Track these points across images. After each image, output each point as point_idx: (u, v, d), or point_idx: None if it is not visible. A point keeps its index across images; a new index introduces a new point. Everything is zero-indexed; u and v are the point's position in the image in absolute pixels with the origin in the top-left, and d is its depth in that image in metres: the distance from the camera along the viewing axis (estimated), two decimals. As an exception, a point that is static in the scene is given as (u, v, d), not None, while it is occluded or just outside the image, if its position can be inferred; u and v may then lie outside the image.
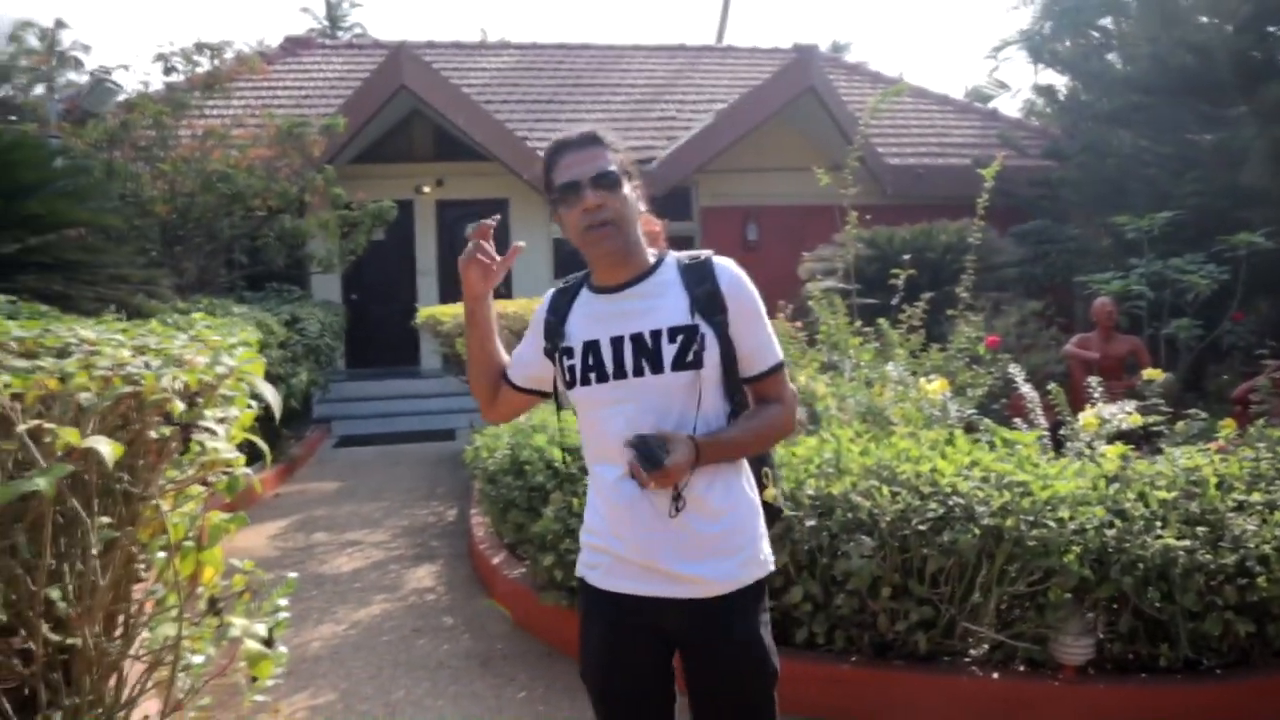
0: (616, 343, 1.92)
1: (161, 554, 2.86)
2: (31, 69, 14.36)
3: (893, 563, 3.34)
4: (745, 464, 2.01)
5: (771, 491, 2.07)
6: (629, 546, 1.92)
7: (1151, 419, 4.50)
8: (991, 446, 3.82)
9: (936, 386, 4.45)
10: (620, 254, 1.94)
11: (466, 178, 13.64)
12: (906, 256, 6.59)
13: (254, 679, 2.66)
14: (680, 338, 1.89)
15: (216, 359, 2.49)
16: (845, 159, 6.96)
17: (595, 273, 2.02)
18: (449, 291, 12.90)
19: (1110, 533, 3.21)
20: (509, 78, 15.71)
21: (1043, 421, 4.93)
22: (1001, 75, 31.63)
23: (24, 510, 2.59)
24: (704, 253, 2.01)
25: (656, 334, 1.90)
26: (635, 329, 1.92)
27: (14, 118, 10.77)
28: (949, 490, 3.35)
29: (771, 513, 2.09)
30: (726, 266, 1.98)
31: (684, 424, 1.89)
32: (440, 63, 15.16)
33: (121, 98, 8.66)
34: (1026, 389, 5.02)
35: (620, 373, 1.91)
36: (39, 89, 13.47)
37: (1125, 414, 4.27)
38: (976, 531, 3.20)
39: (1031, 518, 3.24)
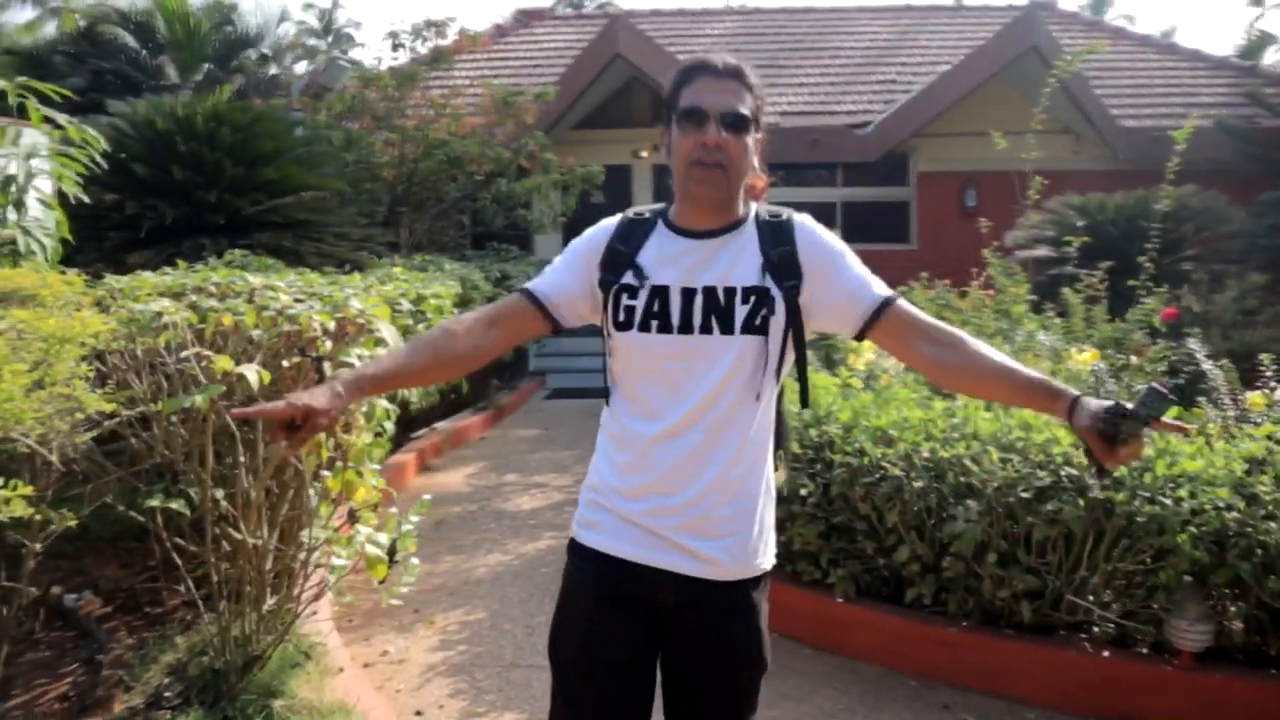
0: (688, 294, 1.76)
1: (326, 472, 3.33)
2: (298, 45, 15.94)
3: (999, 529, 3.32)
4: (771, 447, 1.86)
5: (780, 475, 1.94)
6: (643, 510, 1.77)
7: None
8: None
9: (1086, 357, 4.27)
10: (718, 202, 1.77)
11: (683, 143, 13.91)
12: (1080, 224, 6.21)
13: (380, 581, 3.06)
14: (753, 299, 1.74)
15: (345, 302, 2.86)
16: (1072, 122, 6.64)
17: (682, 212, 1.83)
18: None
19: (1231, 515, 3.04)
20: (730, 43, 15.80)
21: (1228, 401, 4.61)
22: (1269, 26, 28.00)
23: (204, 425, 3.11)
24: (784, 211, 1.84)
25: (730, 291, 1.75)
26: (709, 282, 1.76)
27: (284, 93, 12.11)
28: (1061, 460, 3.28)
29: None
30: (805, 225, 1.83)
31: (748, 396, 1.76)
32: (663, 30, 15.51)
33: (355, 74, 9.58)
34: (1208, 366, 4.69)
35: (686, 327, 1.75)
36: (302, 65, 15.06)
37: (1304, 396, 3.94)
38: (1082, 503, 3.13)
39: (1148, 494, 3.12)
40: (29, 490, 2.30)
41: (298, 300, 3.20)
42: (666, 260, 1.79)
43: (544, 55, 15.21)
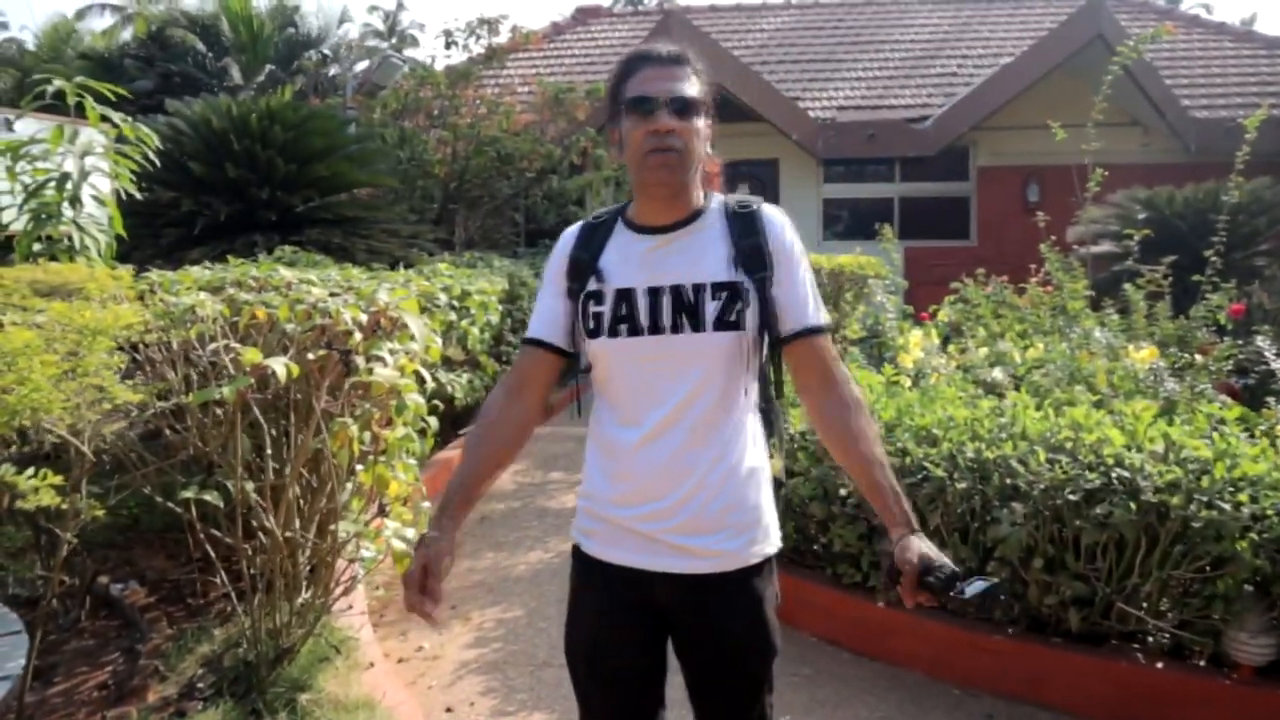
0: (654, 293, 1.74)
1: (360, 466, 3.33)
2: (360, 46, 16.16)
3: (1046, 533, 3.19)
4: (760, 437, 1.84)
5: (776, 464, 1.91)
6: (635, 516, 1.76)
7: None
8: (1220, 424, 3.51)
9: (1144, 355, 4.10)
10: (676, 189, 1.75)
11: (737, 138, 13.77)
12: (1145, 217, 5.99)
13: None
14: (724, 294, 1.72)
15: (372, 297, 2.85)
16: (1140, 113, 6.42)
17: (640, 208, 1.81)
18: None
19: (1295, 521, 2.88)
20: (787, 37, 15.65)
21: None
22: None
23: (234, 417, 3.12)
24: (753, 200, 1.83)
25: (699, 288, 1.72)
26: (675, 280, 1.74)
27: (342, 93, 12.27)
28: (1112, 461, 3.14)
29: (773, 485, 1.93)
30: (774, 217, 1.80)
31: (729, 394, 1.75)
32: (718, 25, 15.40)
33: (408, 72, 9.66)
34: (1278, 365, 4.49)
35: (656, 327, 1.73)
36: (362, 65, 15.28)
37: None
38: (1134, 507, 2.99)
39: (1205, 498, 2.97)
40: (58, 480, 2.32)
41: (332, 294, 3.20)
42: (628, 261, 1.78)
43: (599, 52, 15.21)
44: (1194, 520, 2.95)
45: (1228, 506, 2.93)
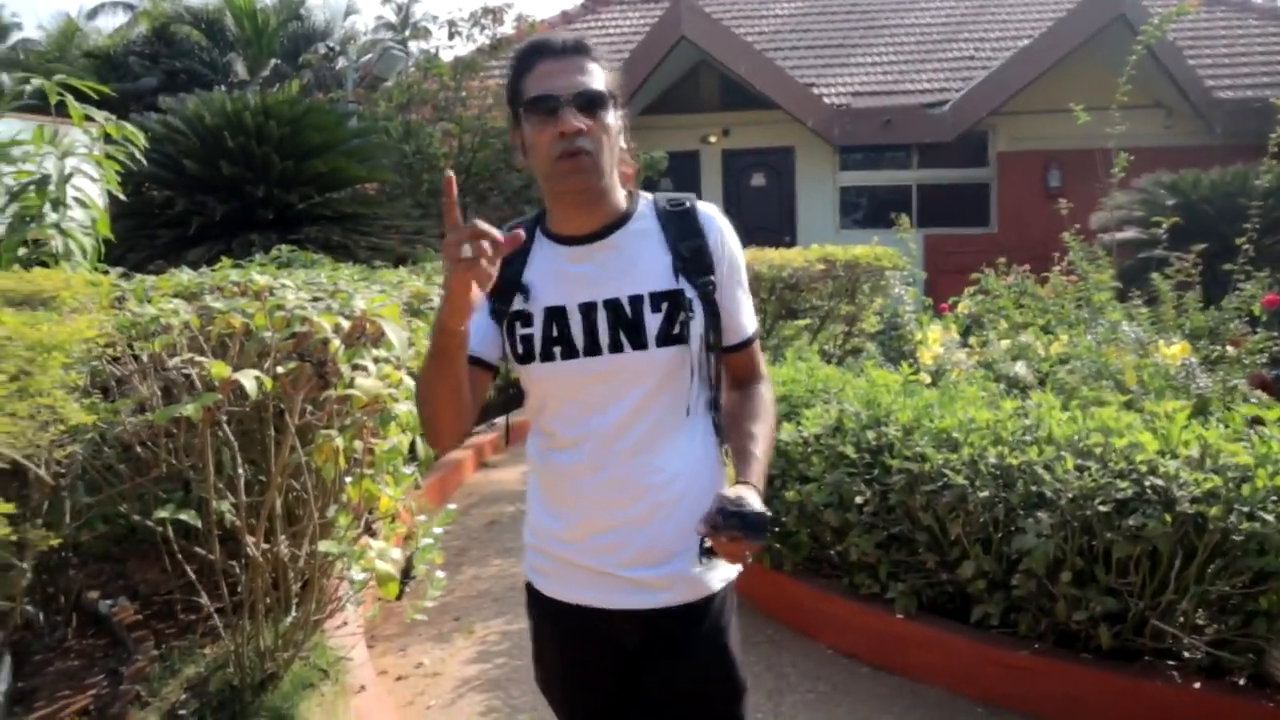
0: (588, 310, 1.57)
1: (348, 479, 3.17)
2: (367, 39, 16.01)
3: (1075, 545, 2.99)
4: (715, 448, 1.69)
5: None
6: (584, 550, 1.63)
7: None
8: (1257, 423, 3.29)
9: (1175, 351, 3.88)
10: (594, 194, 1.56)
11: (752, 126, 13.60)
12: (1171, 203, 5.74)
13: (396, 598, 2.88)
14: (665, 305, 1.56)
15: (349, 303, 2.68)
16: (1163, 95, 6.19)
17: (557, 216, 1.63)
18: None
19: (1346, 533, 2.67)
20: (801, 23, 15.38)
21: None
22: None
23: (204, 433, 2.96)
24: (685, 197, 1.67)
25: (637, 300, 1.56)
26: (610, 293, 1.57)
27: (342, 88, 12.11)
28: (1145, 469, 2.93)
29: None
30: (713, 217, 1.64)
31: (674, 410, 1.60)
32: (731, 11, 15.16)
33: (411, 63, 9.49)
34: (1316, 359, 4.26)
35: (594, 348, 1.57)
36: (366, 58, 15.12)
37: None
38: (1169, 518, 2.78)
39: (1246, 508, 2.77)
40: (9, 508, 2.17)
41: (315, 299, 3.04)
42: (555, 276, 1.60)
43: (609, 41, 14.98)
44: (1234, 533, 2.74)
45: (1271, 518, 2.73)
